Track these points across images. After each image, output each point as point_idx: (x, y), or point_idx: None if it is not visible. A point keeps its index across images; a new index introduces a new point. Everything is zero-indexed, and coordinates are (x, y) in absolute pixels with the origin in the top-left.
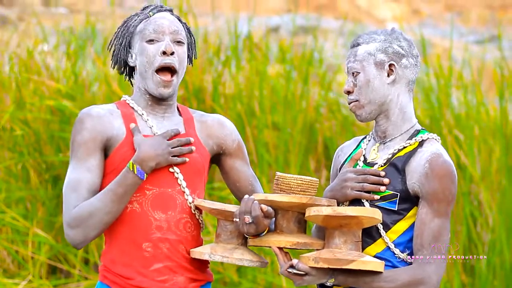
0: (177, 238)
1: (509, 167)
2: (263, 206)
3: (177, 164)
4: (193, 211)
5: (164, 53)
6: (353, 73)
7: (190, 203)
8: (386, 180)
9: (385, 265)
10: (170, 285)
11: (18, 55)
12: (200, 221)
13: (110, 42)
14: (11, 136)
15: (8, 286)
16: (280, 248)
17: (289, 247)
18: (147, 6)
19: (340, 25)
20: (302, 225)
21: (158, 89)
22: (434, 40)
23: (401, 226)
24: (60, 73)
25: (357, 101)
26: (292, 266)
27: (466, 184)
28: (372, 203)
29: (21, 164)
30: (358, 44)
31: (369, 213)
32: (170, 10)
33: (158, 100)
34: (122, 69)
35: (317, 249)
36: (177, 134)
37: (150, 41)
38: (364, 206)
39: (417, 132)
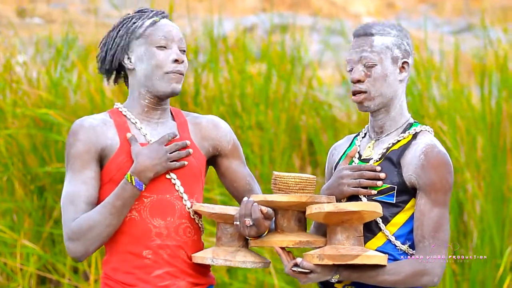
0: (177, 243)
1: (493, 155)
2: (263, 207)
3: (176, 169)
4: (192, 216)
5: (176, 61)
6: (366, 63)
7: (189, 208)
8: (382, 175)
9: (388, 258)
10: None
11: None
12: (200, 225)
13: (102, 40)
14: None
15: None
16: (283, 248)
17: (292, 246)
18: (145, 10)
19: (315, 21)
20: (302, 224)
21: (171, 85)
22: (410, 32)
23: (400, 218)
24: (41, 82)
25: (365, 92)
26: (296, 265)
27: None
28: (370, 198)
29: (6, 176)
30: (372, 34)
31: (371, 208)
32: (167, 16)
33: (156, 103)
34: (112, 69)
35: (320, 247)
36: (173, 138)
37: (161, 47)
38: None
39: (410, 125)
